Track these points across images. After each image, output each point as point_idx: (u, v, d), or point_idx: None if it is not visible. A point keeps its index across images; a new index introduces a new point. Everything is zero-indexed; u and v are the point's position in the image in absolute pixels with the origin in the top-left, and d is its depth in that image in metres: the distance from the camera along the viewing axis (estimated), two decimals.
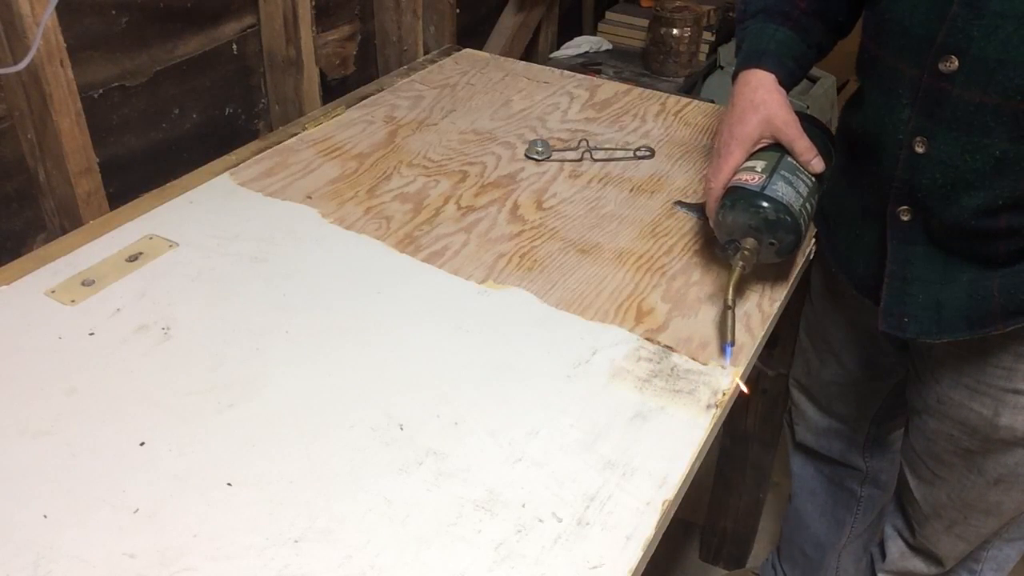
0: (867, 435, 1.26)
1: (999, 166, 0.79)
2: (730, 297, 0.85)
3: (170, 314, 0.88)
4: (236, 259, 0.97)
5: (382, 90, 1.37)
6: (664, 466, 0.74)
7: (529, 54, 2.18)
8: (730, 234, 0.90)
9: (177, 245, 0.98)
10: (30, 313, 0.87)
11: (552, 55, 2.28)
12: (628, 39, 2.44)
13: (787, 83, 0.94)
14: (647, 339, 0.88)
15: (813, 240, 1.06)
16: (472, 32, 1.92)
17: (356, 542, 0.66)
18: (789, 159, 0.92)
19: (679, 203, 1.11)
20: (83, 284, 0.91)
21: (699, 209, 1.07)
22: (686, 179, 1.17)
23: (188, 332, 0.86)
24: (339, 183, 1.12)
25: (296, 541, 0.66)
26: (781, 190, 0.88)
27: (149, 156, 1.22)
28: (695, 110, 1.36)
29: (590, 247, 1.02)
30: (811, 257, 1.06)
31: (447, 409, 0.79)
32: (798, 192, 0.89)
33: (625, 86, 1.44)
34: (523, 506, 0.69)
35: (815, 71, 2.42)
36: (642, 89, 1.43)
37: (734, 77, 0.96)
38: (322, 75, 1.44)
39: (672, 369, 0.84)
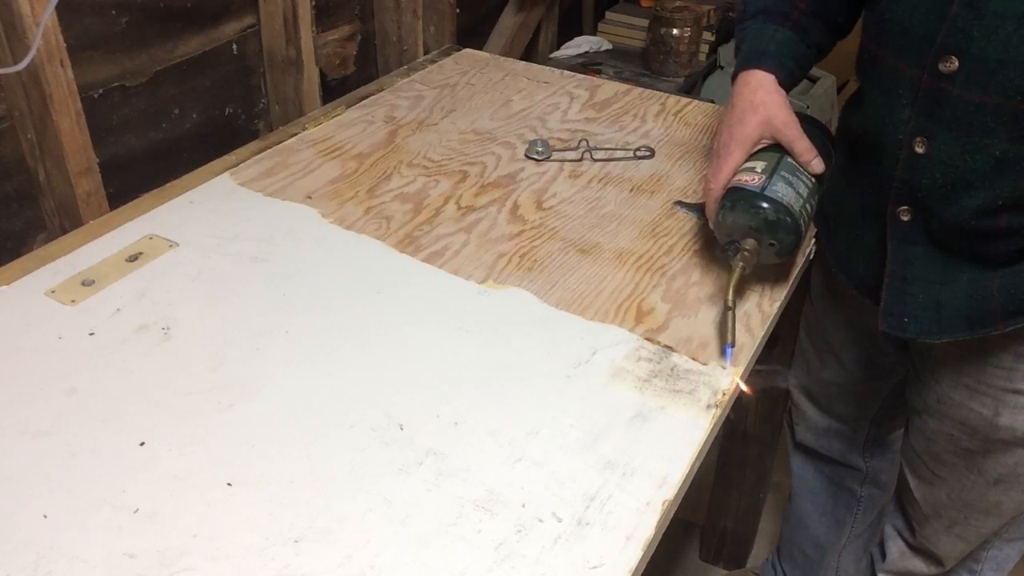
0: (867, 435, 1.26)
1: (999, 166, 0.79)
2: (730, 298, 0.85)
3: (170, 314, 0.88)
4: (236, 259, 0.97)
5: (382, 90, 1.37)
6: (664, 466, 0.74)
7: (529, 54, 2.18)
8: (730, 235, 0.90)
9: (177, 245, 0.98)
10: (30, 313, 0.87)
11: (552, 55, 2.28)
12: (628, 39, 2.45)
13: (787, 84, 0.94)
14: (647, 339, 0.88)
15: (813, 240, 1.06)
16: (472, 32, 1.92)
17: (356, 542, 0.66)
18: (789, 160, 0.92)
19: (679, 203, 1.11)
20: (83, 284, 0.91)
21: (699, 209, 1.07)
22: (686, 179, 1.17)
23: (188, 332, 0.86)
24: (339, 183, 1.12)
25: (296, 541, 0.66)
26: (781, 191, 0.88)
27: (149, 156, 1.22)
28: (695, 110, 1.36)
29: (590, 247, 1.02)
30: (811, 257, 1.06)
31: (447, 409, 0.79)
32: (798, 193, 0.89)
33: (625, 86, 1.44)
34: (523, 506, 0.69)
35: (815, 71, 2.42)
36: (642, 89, 1.43)
37: (734, 78, 0.96)
38: (322, 75, 1.44)
39: (672, 369, 0.84)
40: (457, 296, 0.93)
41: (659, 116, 1.33)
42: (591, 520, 0.68)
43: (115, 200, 1.10)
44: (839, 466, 1.31)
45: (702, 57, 2.37)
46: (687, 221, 1.07)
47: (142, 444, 0.73)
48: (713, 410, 0.79)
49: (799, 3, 0.95)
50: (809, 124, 0.95)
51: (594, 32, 2.49)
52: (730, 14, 2.42)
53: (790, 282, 0.98)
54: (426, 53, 1.58)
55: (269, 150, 1.18)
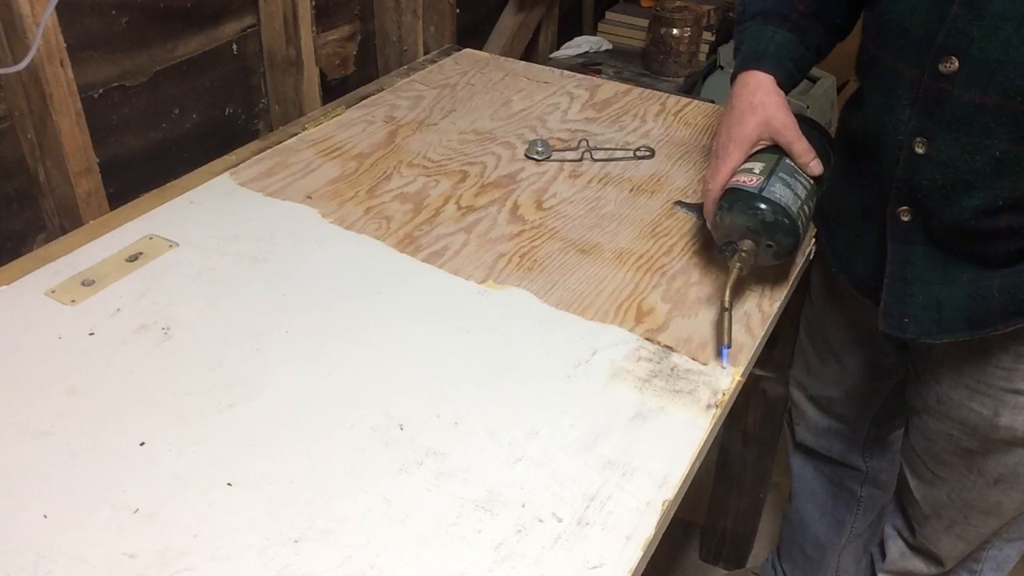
0: (867, 435, 1.26)
1: (999, 166, 0.79)
2: (727, 299, 0.85)
3: (170, 314, 0.88)
4: (236, 259, 0.97)
5: (382, 90, 1.37)
6: (664, 466, 0.74)
7: (529, 54, 2.18)
8: (728, 236, 0.90)
9: (177, 245, 0.98)
10: (30, 313, 0.87)
11: (552, 55, 2.28)
12: (628, 39, 2.45)
13: (786, 85, 0.94)
14: (647, 339, 0.88)
15: (813, 240, 1.06)
16: (472, 32, 1.92)
17: (356, 542, 0.66)
18: (787, 161, 0.92)
19: (679, 203, 1.11)
20: (83, 284, 0.91)
21: (699, 209, 1.07)
22: (686, 179, 1.17)
23: (188, 332, 0.86)
24: (339, 183, 1.12)
25: (296, 541, 0.66)
26: (779, 192, 0.88)
27: (149, 156, 1.22)
28: (695, 110, 1.36)
29: (590, 247, 1.02)
30: (811, 257, 1.06)
31: (447, 409, 0.79)
32: (796, 194, 0.89)
33: (625, 86, 1.44)
34: (523, 506, 0.69)
35: (815, 71, 2.42)
36: (642, 89, 1.43)
37: (733, 79, 0.97)
38: (322, 75, 1.44)
39: (672, 369, 0.84)
40: (457, 296, 0.93)
41: (659, 116, 1.33)
42: (591, 520, 0.69)
43: (115, 200, 1.10)
44: (839, 466, 1.31)
45: (702, 57, 2.37)
46: (687, 221, 1.08)
47: (142, 444, 0.73)
48: (713, 410, 0.79)
49: (798, 4, 0.95)
50: (808, 125, 0.95)
51: (594, 32, 2.49)
52: (730, 14, 2.42)
53: (790, 282, 0.98)
54: (426, 53, 1.58)
55: (269, 150, 1.18)
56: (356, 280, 0.94)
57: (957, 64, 0.77)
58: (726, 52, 2.36)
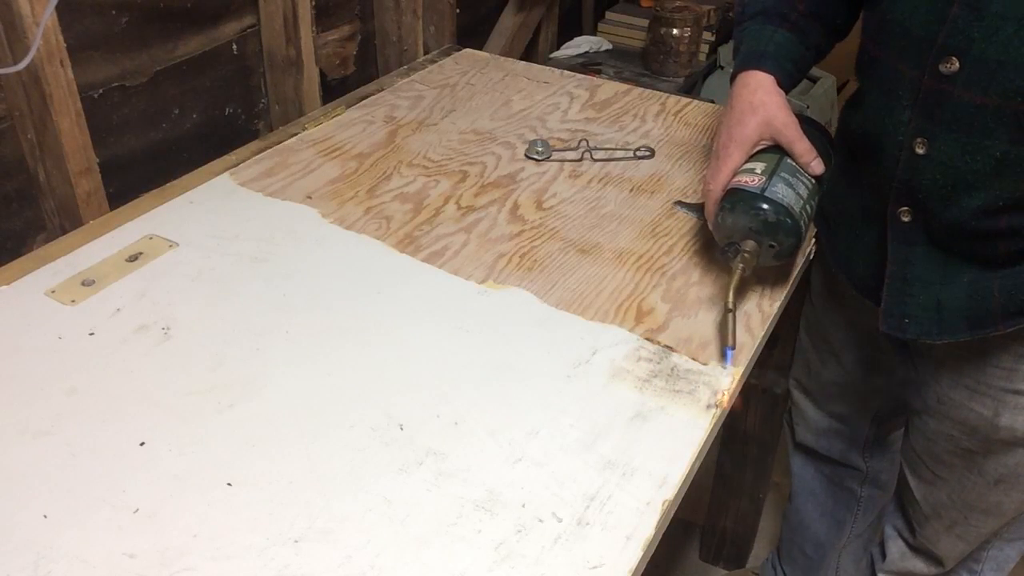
0: (867, 435, 1.26)
1: (1000, 167, 0.78)
2: (730, 300, 0.85)
3: (170, 314, 0.88)
4: (236, 259, 0.97)
5: (382, 90, 1.37)
6: (664, 466, 0.74)
7: (529, 54, 2.18)
8: (729, 236, 0.90)
9: (177, 245, 0.98)
10: (30, 313, 0.87)
11: (552, 55, 2.28)
12: (628, 39, 2.44)
13: (786, 85, 0.94)
14: (647, 339, 0.88)
15: (813, 240, 1.06)
16: (472, 32, 1.92)
17: (356, 542, 0.66)
18: (789, 161, 0.92)
19: (679, 203, 1.11)
20: (83, 284, 0.91)
21: (699, 209, 1.07)
22: (686, 179, 1.17)
23: (188, 332, 0.86)
24: (339, 183, 1.12)
25: (296, 541, 0.66)
26: (781, 192, 0.88)
27: (149, 156, 1.22)
28: (695, 110, 1.36)
29: (590, 247, 1.02)
30: (811, 257, 1.06)
31: (447, 409, 0.79)
32: (798, 194, 0.89)
33: (625, 86, 1.44)
34: (523, 506, 0.69)
35: (815, 71, 2.42)
36: (642, 89, 1.43)
37: (733, 79, 0.96)
38: (322, 75, 1.44)
39: (672, 369, 0.84)
40: (457, 296, 0.93)
41: (659, 116, 1.33)
42: (591, 520, 0.69)
43: (115, 200, 1.10)
44: (839, 466, 1.31)
45: (702, 57, 2.37)
46: (687, 221, 1.07)
47: (142, 444, 0.73)
48: (713, 410, 0.79)
49: (798, 4, 0.95)
50: (808, 125, 0.95)
51: (594, 32, 2.49)
52: (730, 14, 2.42)
53: (790, 282, 0.98)
54: (426, 53, 1.58)
55: (269, 150, 1.18)
56: (356, 280, 0.94)
57: (958, 64, 0.77)
58: (726, 52, 2.36)
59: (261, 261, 0.96)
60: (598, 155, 1.21)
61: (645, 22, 2.35)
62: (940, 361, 0.96)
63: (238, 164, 1.14)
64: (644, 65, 2.33)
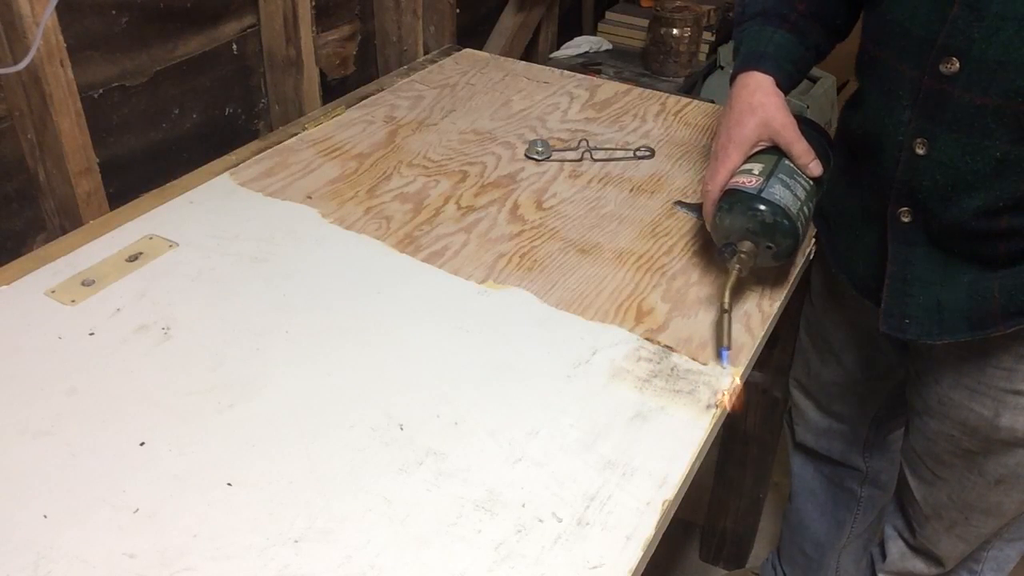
0: (867, 435, 1.26)
1: (1000, 167, 0.79)
2: (726, 301, 0.84)
3: (170, 314, 0.88)
4: (236, 259, 0.97)
5: (382, 90, 1.37)
6: (664, 466, 0.74)
7: (529, 54, 2.18)
8: (727, 237, 0.90)
9: (177, 245, 0.98)
10: (30, 313, 0.87)
11: (552, 55, 2.28)
12: (628, 39, 2.45)
13: (785, 86, 0.94)
14: (647, 339, 0.88)
15: (813, 240, 1.06)
16: (472, 32, 1.92)
17: (356, 542, 0.66)
18: (787, 162, 0.92)
19: (679, 203, 1.11)
20: (83, 284, 0.91)
21: (699, 209, 1.07)
22: (686, 179, 1.17)
23: (188, 332, 0.86)
24: (339, 183, 1.12)
25: (296, 541, 0.66)
26: (779, 193, 0.88)
27: (149, 156, 1.22)
28: (695, 110, 1.36)
29: (590, 247, 1.02)
30: (811, 258, 1.06)
31: (447, 409, 0.79)
32: (796, 195, 0.89)
33: (625, 86, 1.44)
34: (523, 506, 0.69)
35: (815, 71, 2.42)
36: (642, 89, 1.43)
37: (732, 79, 0.96)
38: (322, 75, 1.44)
39: (672, 369, 0.84)
40: (457, 296, 0.93)
41: (659, 116, 1.33)
42: (591, 520, 0.69)
43: (115, 200, 1.10)
44: (839, 466, 1.31)
45: (702, 57, 2.37)
46: (687, 221, 1.07)
47: (142, 444, 0.73)
48: (713, 410, 0.79)
49: (798, 5, 0.95)
50: (807, 126, 0.95)
51: (594, 32, 2.49)
52: (730, 14, 2.42)
53: (790, 282, 0.98)
54: (426, 53, 1.58)
55: (269, 150, 1.18)
56: (356, 280, 0.94)
57: (958, 65, 0.77)
58: (726, 52, 2.36)
59: (261, 261, 0.96)
60: (598, 155, 1.21)
61: (645, 22, 2.35)
62: (940, 361, 0.96)
63: (238, 164, 1.14)
64: (644, 65, 2.33)
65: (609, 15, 2.48)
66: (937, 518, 1.07)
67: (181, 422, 0.76)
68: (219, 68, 1.30)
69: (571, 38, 2.36)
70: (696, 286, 0.96)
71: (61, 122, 1.00)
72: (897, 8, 0.82)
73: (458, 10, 1.66)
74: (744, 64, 0.95)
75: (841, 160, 0.98)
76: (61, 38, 0.98)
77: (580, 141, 1.23)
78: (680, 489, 0.72)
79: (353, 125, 1.26)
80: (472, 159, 1.19)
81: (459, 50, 1.55)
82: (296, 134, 1.22)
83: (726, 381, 0.83)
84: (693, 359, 0.85)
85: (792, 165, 0.92)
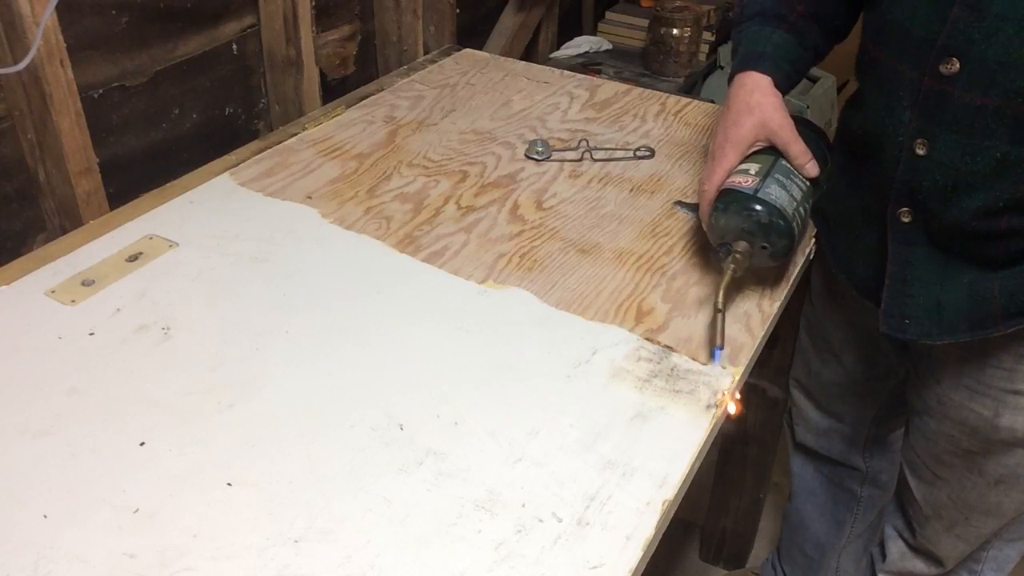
0: (867, 435, 1.26)
1: (1000, 168, 0.79)
2: (720, 300, 0.84)
3: (170, 314, 0.88)
4: (236, 259, 0.97)
5: (382, 90, 1.37)
6: (664, 466, 0.74)
7: (529, 54, 2.18)
8: (722, 237, 0.90)
9: (177, 245, 0.98)
10: (30, 313, 0.87)
11: (552, 55, 2.28)
12: (628, 39, 2.44)
13: (783, 86, 0.94)
14: (647, 339, 0.88)
15: (813, 240, 1.06)
16: (472, 32, 1.91)
17: (356, 542, 0.66)
18: (784, 163, 0.92)
19: (679, 203, 1.11)
20: (83, 284, 0.91)
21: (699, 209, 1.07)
22: (686, 179, 1.17)
23: (188, 332, 0.86)
24: (339, 183, 1.12)
25: (296, 541, 0.66)
26: (775, 193, 0.88)
27: (149, 156, 1.22)
28: (695, 110, 1.36)
29: (590, 247, 1.02)
30: (811, 257, 1.06)
31: (447, 409, 0.79)
32: (792, 196, 0.89)
33: (625, 86, 1.44)
34: (523, 506, 0.69)
35: (815, 71, 2.42)
36: (642, 89, 1.43)
37: (730, 80, 0.96)
38: (322, 75, 1.44)
39: (672, 369, 0.84)
40: (457, 296, 0.93)
41: (659, 116, 1.33)
42: (591, 520, 0.69)
43: (115, 200, 1.10)
44: (839, 466, 1.31)
45: (702, 57, 2.37)
46: (687, 221, 1.07)
47: (142, 444, 0.73)
48: (713, 410, 0.79)
49: (796, 6, 0.95)
50: (805, 127, 0.95)
51: (594, 32, 2.49)
52: (730, 14, 2.42)
53: (790, 282, 0.98)
54: (426, 53, 1.58)
55: (269, 150, 1.18)
56: (356, 280, 0.94)
57: (958, 65, 0.77)
58: (726, 52, 2.36)
59: (261, 261, 0.96)
60: (598, 155, 1.21)
61: (645, 22, 2.35)
62: (940, 361, 0.96)
63: (238, 164, 1.14)
64: (644, 65, 2.33)
65: (609, 15, 2.48)
66: (937, 518, 1.07)
67: (181, 422, 0.76)
68: (219, 68, 1.30)
69: (571, 38, 2.36)
70: (696, 286, 0.96)
71: (61, 122, 1.00)
72: (897, 8, 0.82)
73: (458, 10, 1.66)
74: (742, 64, 0.95)
75: (841, 160, 0.98)
76: (61, 38, 0.98)
77: (580, 141, 1.23)
78: (680, 489, 0.72)
79: (353, 125, 1.26)
80: (472, 159, 1.19)
81: (459, 50, 1.55)
82: (296, 134, 1.22)
83: (726, 381, 0.83)
84: (693, 359, 0.85)
85: (789, 165, 0.92)
